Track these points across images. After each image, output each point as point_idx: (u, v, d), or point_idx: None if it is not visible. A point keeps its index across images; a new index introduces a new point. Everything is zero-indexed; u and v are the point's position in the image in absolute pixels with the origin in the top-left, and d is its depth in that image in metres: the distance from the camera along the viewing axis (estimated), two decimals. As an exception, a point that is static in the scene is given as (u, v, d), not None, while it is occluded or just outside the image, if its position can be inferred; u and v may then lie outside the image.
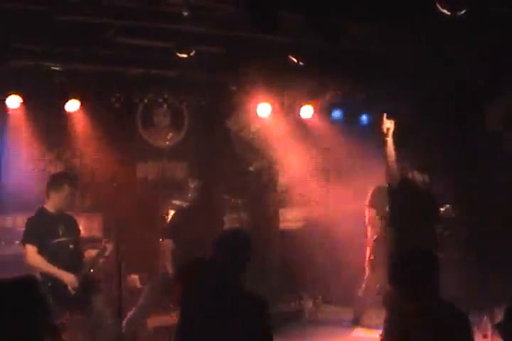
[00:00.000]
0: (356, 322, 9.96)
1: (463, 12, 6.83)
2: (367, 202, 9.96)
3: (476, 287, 10.01)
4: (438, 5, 6.82)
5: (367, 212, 9.92)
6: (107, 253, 7.83)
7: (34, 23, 7.80)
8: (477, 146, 11.20)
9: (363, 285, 9.88)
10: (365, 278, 9.88)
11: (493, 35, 8.55)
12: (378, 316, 9.83)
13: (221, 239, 5.27)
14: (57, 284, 7.42)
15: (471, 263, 10.49)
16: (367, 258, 9.80)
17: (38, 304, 4.05)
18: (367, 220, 9.90)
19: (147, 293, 8.89)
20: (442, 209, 9.55)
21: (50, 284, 7.43)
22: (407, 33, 8.57)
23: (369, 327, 9.62)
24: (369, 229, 9.81)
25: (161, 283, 8.75)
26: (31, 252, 7.49)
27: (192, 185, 10.14)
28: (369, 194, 9.94)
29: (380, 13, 7.73)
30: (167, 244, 8.69)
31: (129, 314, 8.68)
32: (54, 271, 7.47)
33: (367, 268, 9.84)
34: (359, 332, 9.74)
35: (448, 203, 9.79)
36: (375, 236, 9.76)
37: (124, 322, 8.46)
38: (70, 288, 7.41)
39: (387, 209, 9.39)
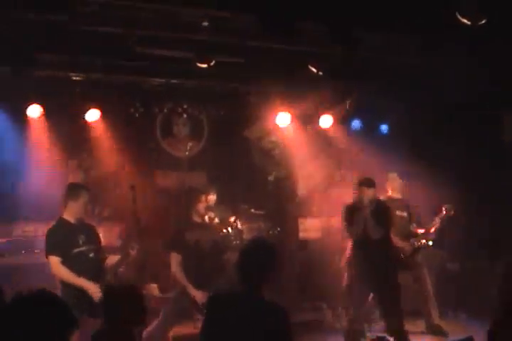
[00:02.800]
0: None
1: (483, 21, 6.83)
2: None
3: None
4: (458, 15, 6.82)
5: None
6: (127, 262, 7.83)
7: (55, 33, 7.86)
8: (493, 156, 11.16)
9: None
10: None
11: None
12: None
13: (247, 248, 5.26)
14: (82, 293, 7.44)
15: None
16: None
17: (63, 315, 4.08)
18: None
19: (169, 307, 8.85)
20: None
21: (74, 293, 7.45)
22: (427, 42, 8.57)
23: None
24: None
25: (181, 295, 8.72)
26: (55, 263, 7.49)
27: (212, 195, 10.19)
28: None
29: (398, 23, 7.74)
30: (174, 255, 8.60)
31: (150, 328, 8.65)
32: (78, 282, 7.47)
33: None
34: None
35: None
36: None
37: (144, 335, 8.46)
38: (94, 297, 7.41)
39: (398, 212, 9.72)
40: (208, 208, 10.01)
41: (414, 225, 9.73)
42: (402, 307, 9.04)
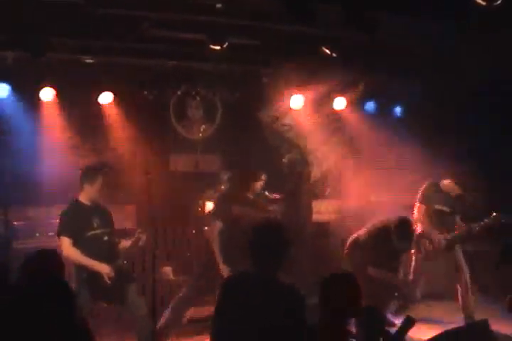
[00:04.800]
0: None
1: (499, 2, 6.73)
2: (418, 197, 9.81)
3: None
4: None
5: (417, 207, 9.78)
6: (140, 244, 7.84)
7: (68, 16, 7.85)
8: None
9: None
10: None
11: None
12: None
13: (259, 230, 5.25)
14: (93, 276, 7.45)
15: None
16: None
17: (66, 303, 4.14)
18: (416, 216, 9.75)
19: (184, 292, 8.88)
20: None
21: (85, 275, 7.46)
22: (443, 26, 8.49)
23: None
24: (419, 225, 9.70)
25: (197, 282, 8.75)
26: (66, 244, 7.51)
27: (225, 177, 10.19)
28: (421, 189, 9.80)
29: (415, 6, 7.67)
30: (216, 225, 8.62)
31: (166, 314, 8.68)
32: (90, 263, 7.50)
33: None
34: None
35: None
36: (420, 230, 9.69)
37: (161, 320, 8.51)
38: (106, 278, 7.42)
39: (438, 206, 9.63)
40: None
41: (464, 225, 9.66)
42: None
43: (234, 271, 8.16)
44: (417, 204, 9.68)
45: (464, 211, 9.79)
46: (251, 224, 8.60)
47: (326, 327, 4.95)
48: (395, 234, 8.67)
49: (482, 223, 9.42)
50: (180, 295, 8.81)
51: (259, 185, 9.31)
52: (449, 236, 9.50)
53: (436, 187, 9.71)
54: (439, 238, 9.48)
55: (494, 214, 9.37)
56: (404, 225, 8.77)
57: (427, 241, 9.55)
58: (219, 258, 8.47)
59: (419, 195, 9.69)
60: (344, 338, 4.98)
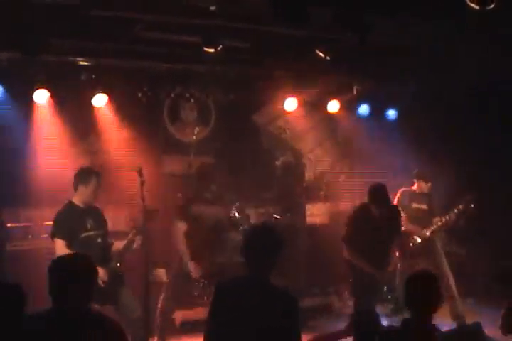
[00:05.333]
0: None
1: (492, 6, 6.75)
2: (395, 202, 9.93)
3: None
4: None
5: None
6: (133, 247, 7.84)
7: (63, 17, 7.84)
8: (504, 144, 11.12)
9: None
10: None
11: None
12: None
13: (252, 233, 5.26)
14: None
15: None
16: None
17: None
18: None
19: (169, 283, 8.93)
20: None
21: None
22: (436, 28, 8.51)
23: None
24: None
25: (178, 271, 8.78)
26: (61, 246, 7.50)
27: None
28: (397, 195, 9.92)
29: (407, 8, 7.68)
30: (178, 225, 8.68)
31: (159, 307, 8.73)
32: None
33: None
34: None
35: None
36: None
37: (157, 315, 8.56)
38: (99, 282, 7.42)
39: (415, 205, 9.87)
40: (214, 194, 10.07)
41: (439, 218, 9.78)
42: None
43: (202, 267, 8.51)
44: None
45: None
46: (212, 221, 8.84)
47: (414, 326, 4.98)
48: (373, 203, 8.68)
49: (455, 209, 9.64)
50: (163, 296, 8.84)
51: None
52: (428, 231, 9.67)
53: (409, 191, 9.90)
54: (420, 232, 9.65)
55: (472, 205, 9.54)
56: (375, 189, 8.75)
57: (410, 239, 9.68)
58: (185, 257, 8.55)
59: (395, 199, 9.82)
60: (432, 337, 5.01)
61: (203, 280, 8.62)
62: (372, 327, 5.34)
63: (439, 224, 9.77)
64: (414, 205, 9.93)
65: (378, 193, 8.65)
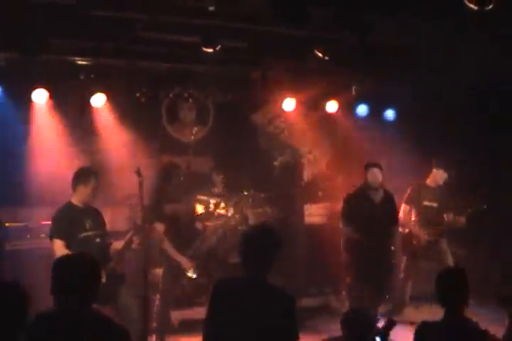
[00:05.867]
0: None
1: (491, 7, 6.74)
2: (404, 198, 9.94)
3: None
4: (465, 0, 6.75)
5: (402, 208, 9.90)
6: (132, 246, 7.84)
7: (62, 17, 7.84)
8: (504, 144, 11.12)
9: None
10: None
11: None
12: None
13: (250, 234, 5.26)
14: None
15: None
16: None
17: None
18: (401, 217, 9.86)
19: (162, 281, 8.95)
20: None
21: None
22: (436, 28, 8.50)
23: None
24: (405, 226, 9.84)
25: (166, 278, 8.80)
26: (59, 246, 7.50)
27: (218, 179, 10.27)
28: (408, 190, 9.93)
29: (407, 8, 7.68)
30: (157, 227, 8.70)
31: (156, 306, 8.75)
32: None
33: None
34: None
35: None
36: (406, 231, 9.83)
37: (154, 315, 8.57)
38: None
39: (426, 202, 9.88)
40: (213, 194, 10.13)
41: (446, 215, 9.76)
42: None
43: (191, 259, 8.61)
44: (402, 205, 9.82)
45: (450, 201, 9.93)
46: (189, 217, 8.91)
47: (452, 321, 5.11)
48: (366, 185, 8.94)
49: (467, 213, 9.68)
50: (158, 296, 8.85)
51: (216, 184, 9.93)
52: (433, 233, 9.64)
53: (421, 185, 9.87)
54: (424, 235, 9.63)
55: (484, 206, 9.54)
56: (367, 167, 9.03)
57: (414, 241, 9.67)
58: (174, 254, 8.58)
59: (405, 196, 9.83)
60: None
61: (195, 275, 8.67)
62: (365, 327, 5.36)
63: (447, 224, 9.75)
64: (425, 203, 9.90)
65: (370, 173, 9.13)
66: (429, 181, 10.00)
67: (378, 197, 9.27)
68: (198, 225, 9.41)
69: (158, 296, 8.74)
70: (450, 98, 11.01)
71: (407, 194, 9.88)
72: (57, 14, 7.72)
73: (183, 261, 8.62)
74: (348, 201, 9.38)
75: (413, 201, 9.83)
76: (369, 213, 9.15)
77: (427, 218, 9.83)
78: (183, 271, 8.63)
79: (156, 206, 8.66)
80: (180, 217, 8.90)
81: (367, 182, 9.23)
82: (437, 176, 9.93)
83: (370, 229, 9.04)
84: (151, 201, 8.66)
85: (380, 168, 9.25)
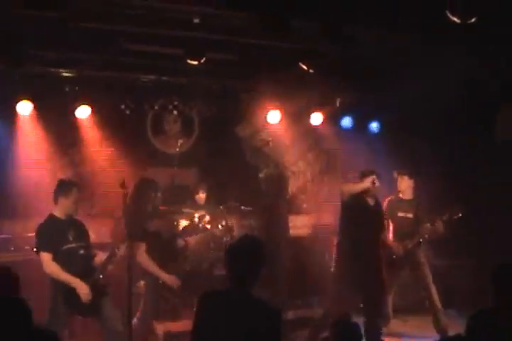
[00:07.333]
0: None
1: (473, 20, 6.79)
2: None
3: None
4: (448, 13, 6.80)
5: None
6: (116, 258, 7.82)
7: (46, 29, 7.83)
8: (485, 156, 11.16)
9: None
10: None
11: (500, 44, 8.54)
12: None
13: (235, 247, 5.25)
14: (71, 291, 7.45)
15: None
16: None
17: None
18: None
19: (146, 297, 8.90)
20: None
21: (64, 290, 7.47)
22: (417, 41, 8.55)
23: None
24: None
25: (153, 283, 8.76)
26: (47, 260, 7.50)
27: (202, 192, 10.26)
28: (384, 204, 9.90)
29: (390, 21, 7.72)
30: (138, 245, 8.64)
31: (135, 321, 8.69)
32: (68, 279, 7.49)
33: None
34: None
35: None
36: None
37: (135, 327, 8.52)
38: (82, 297, 7.42)
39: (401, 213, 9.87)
40: (197, 207, 10.12)
41: (428, 225, 9.73)
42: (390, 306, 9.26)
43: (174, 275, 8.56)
44: None
45: (426, 212, 9.92)
46: (171, 234, 8.91)
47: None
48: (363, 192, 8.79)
49: (440, 220, 9.59)
50: (142, 307, 8.82)
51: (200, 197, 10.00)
52: (410, 243, 9.62)
53: (396, 198, 9.88)
54: (395, 245, 9.63)
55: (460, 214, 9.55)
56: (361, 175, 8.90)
57: (392, 253, 9.65)
58: (158, 273, 8.54)
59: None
60: None
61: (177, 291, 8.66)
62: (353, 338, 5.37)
63: (425, 236, 9.74)
64: (400, 214, 9.86)
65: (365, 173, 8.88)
66: (401, 194, 9.99)
67: (372, 203, 9.16)
68: (180, 242, 9.37)
69: (140, 308, 8.71)
70: (434, 109, 11.05)
71: (383, 207, 9.85)
72: (41, 26, 7.71)
73: (168, 279, 8.59)
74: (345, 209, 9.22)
75: (389, 214, 9.81)
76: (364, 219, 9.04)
77: (403, 229, 9.81)
78: (168, 288, 8.62)
79: (138, 225, 8.63)
80: (162, 234, 8.87)
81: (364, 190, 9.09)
82: (403, 183, 9.92)
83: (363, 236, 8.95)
84: (131, 218, 8.65)
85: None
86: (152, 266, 8.53)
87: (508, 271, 5.46)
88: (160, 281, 8.58)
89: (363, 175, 8.89)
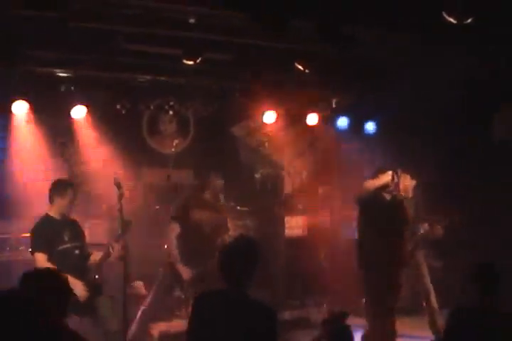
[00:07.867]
0: None
1: (469, 20, 6.80)
2: None
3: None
4: (445, 13, 6.80)
5: None
6: (111, 258, 7.81)
7: (42, 29, 7.82)
8: (483, 156, 11.16)
9: None
10: None
11: (500, 44, 8.54)
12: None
13: (230, 247, 5.25)
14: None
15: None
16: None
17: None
18: None
19: (152, 293, 8.90)
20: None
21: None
22: (416, 41, 8.55)
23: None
24: None
25: (162, 282, 8.76)
26: (41, 260, 7.48)
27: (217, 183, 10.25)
28: None
29: (388, 21, 7.72)
30: (173, 228, 8.66)
31: (137, 318, 8.69)
32: None
33: None
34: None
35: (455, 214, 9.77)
36: None
37: (133, 326, 8.52)
38: (78, 297, 7.40)
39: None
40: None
41: (426, 225, 9.72)
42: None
43: (194, 271, 8.59)
44: None
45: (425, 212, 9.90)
46: (212, 228, 8.87)
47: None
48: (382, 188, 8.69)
49: (443, 223, 9.65)
50: (144, 307, 8.81)
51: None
52: (410, 245, 9.61)
53: None
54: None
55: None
56: (378, 172, 8.80)
57: None
58: (175, 260, 8.54)
59: None
60: None
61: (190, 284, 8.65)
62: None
63: (424, 236, 9.73)
64: None
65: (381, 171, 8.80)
66: (401, 192, 9.95)
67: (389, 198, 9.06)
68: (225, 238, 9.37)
69: (141, 308, 8.71)
70: (434, 109, 11.04)
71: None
72: (38, 26, 7.70)
73: (184, 272, 8.60)
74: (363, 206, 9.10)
75: None
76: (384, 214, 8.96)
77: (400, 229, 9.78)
78: (179, 281, 8.62)
79: (180, 208, 8.65)
80: (206, 226, 8.91)
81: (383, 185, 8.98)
82: (405, 181, 9.88)
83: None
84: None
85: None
86: (174, 253, 8.54)
87: (491, 271, 5.48)
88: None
89: (380, 172, 8.82)
